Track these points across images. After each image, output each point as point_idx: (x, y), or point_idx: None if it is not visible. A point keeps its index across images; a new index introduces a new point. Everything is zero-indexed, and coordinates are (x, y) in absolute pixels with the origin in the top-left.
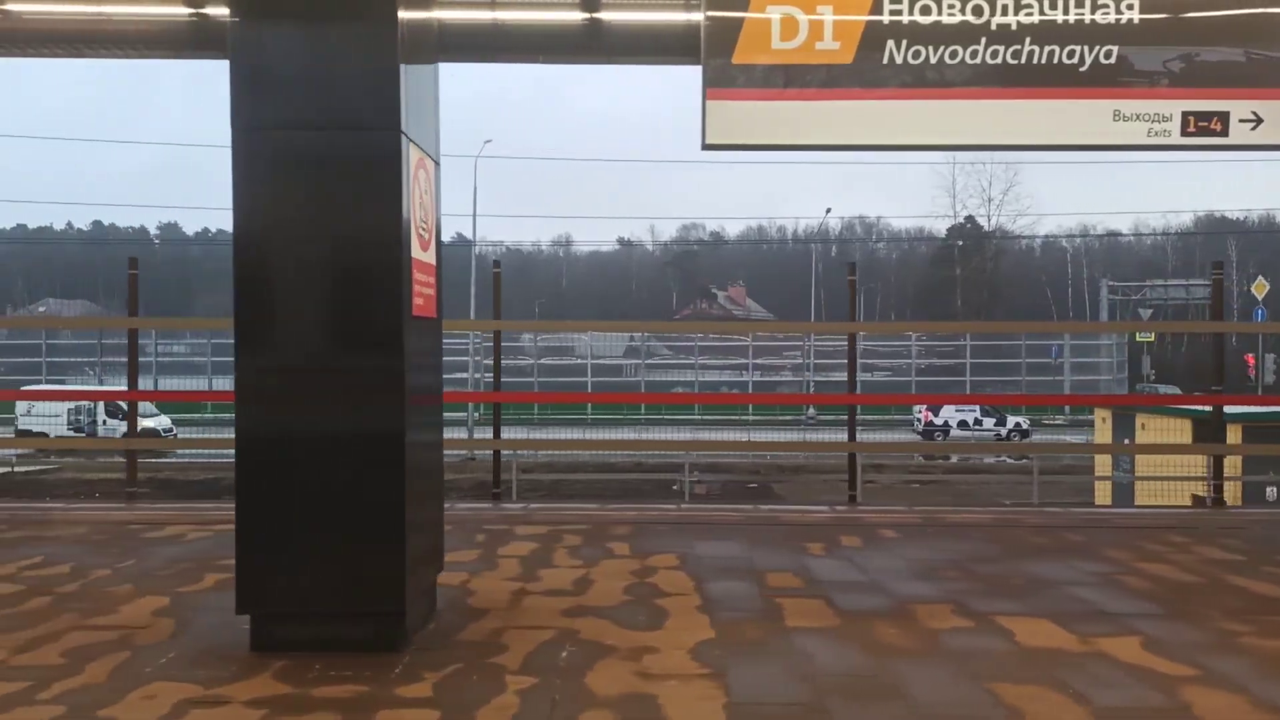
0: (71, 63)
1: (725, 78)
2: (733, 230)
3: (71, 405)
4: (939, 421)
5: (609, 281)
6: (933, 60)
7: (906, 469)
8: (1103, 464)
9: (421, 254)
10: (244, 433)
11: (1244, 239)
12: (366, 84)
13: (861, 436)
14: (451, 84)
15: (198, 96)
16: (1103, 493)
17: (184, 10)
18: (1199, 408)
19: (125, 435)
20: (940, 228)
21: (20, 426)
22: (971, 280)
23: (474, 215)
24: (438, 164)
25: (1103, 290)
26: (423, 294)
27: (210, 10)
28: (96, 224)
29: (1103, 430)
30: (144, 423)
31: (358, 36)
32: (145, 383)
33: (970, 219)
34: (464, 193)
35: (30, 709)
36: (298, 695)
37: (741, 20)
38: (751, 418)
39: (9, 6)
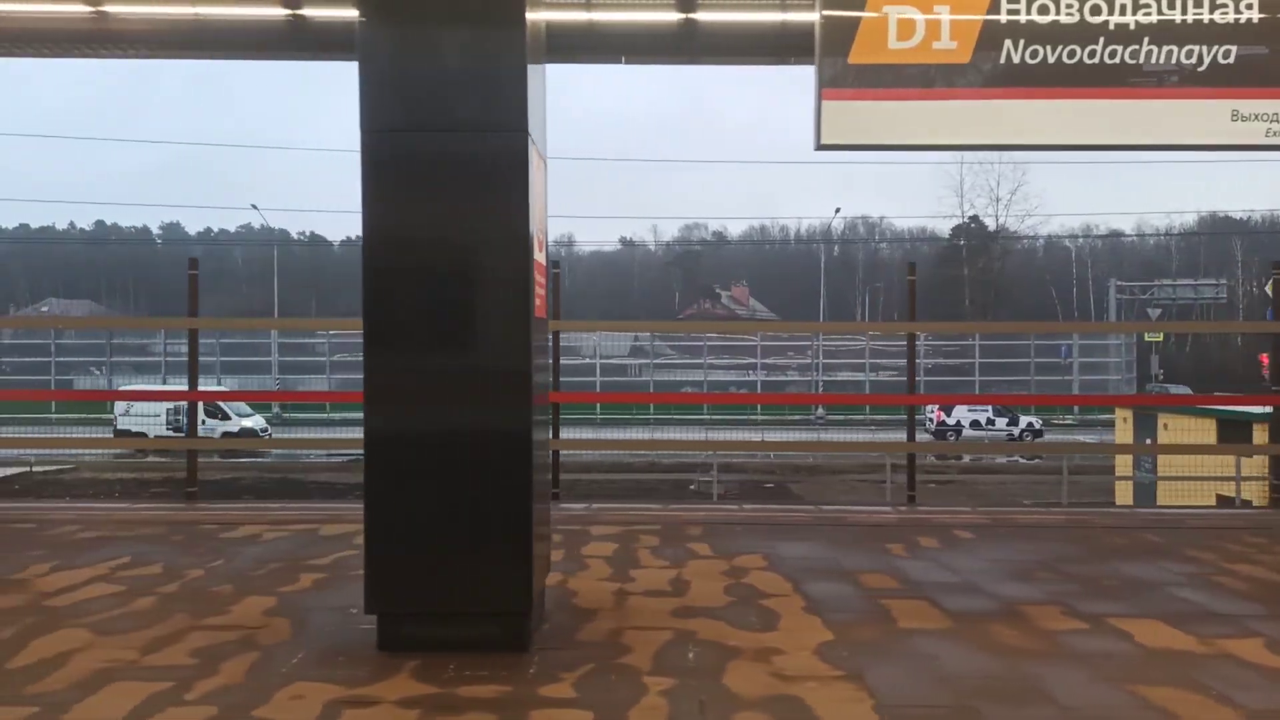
0: (72, 62)
1: (841, 78)
2: (735, 230)
3: (170, 405)
4: (951, 421)
5: (612, 281)
6: (1050, 60)
7: (922, 469)
8: (1123, 464)
9: (538, 255)
10: (373, 434)
11: (1247, 239)
12: (495, 86)
13: (877, 436)
14: None
15: (197, 96)
16: (1123, 493)
17: (281, 12)
18: (1224, 408)
19: (187, 435)
20: (942, 228)
21: (119, 427)
22: (978, 280)
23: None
24: (546, 164)
25: (1111, 290)
26: (539, 294)
27: (308, 11)
28: (99, 224)
29: (1123, 430)
30: (243, 422)
31: (486, 38)
32: (155, 382)
33: (975, 219)
34: None
35: (182, 709)
36: (444, 695)
37: (858, 20)
38: (761, 418)
39: (106, 8)
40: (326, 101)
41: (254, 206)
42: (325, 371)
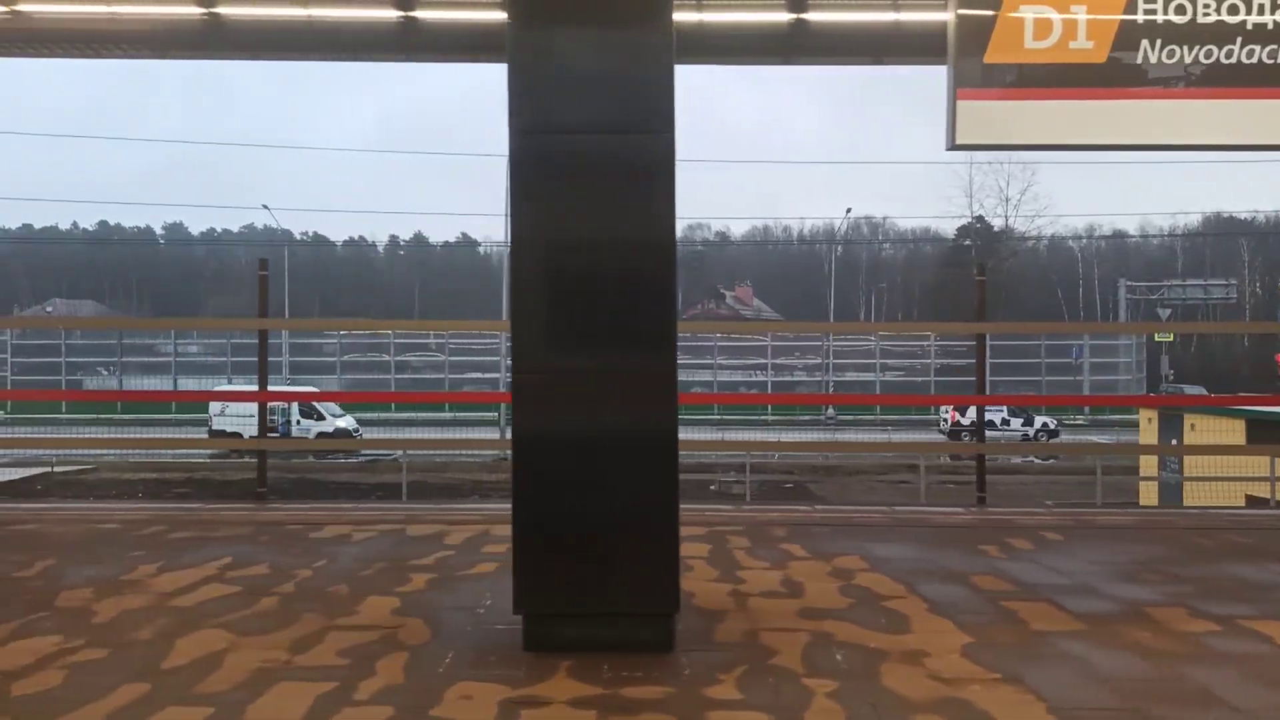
0: (70, 62)
1: (977, 77)
2: (737, 230)
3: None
4: (966, 421)
5: None
6: (1187, 60)
7: (939, 469)
8: (1147, 464)
9: None
10: (520, 434)
11: (1252, 240)
12: (643, 87)
13: (897, 437)
14: (436, 83)
15: (196, 96)
16: (1148, 493)
17: (394, 14)
18: (1253, 409)
19: (256, 436)
20: (945, 228)
21: (215, 427)
22: (988, 281)
23: (506, 215)
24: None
25: (1121, 290)
26: None
27: (420, 14)
28: (102, 224)
29: (1148, 430)
30: (337, 423)
31: (634, 38)
32: (165, 383)
33: (980, 219)
34: (460, 192)
35: (358, 709)
36: (611, 696)
37: (994, 19)
38: (771, 418)
39: (220, 10)
40: (326, 102)
41: (265, 207)
42: (336, 371)
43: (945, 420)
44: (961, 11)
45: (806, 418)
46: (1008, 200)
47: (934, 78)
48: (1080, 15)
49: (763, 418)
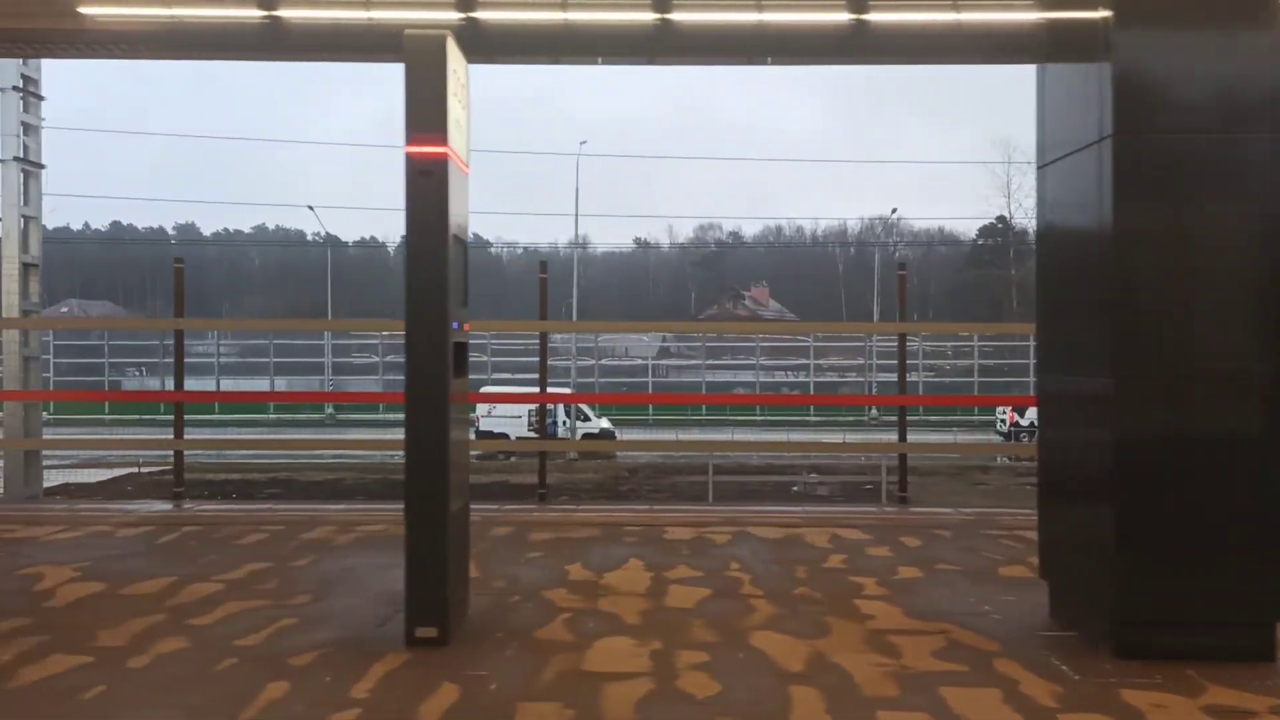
0: (68, 63)
1: None
2: (749, 230)
3: (532, 407)
4: (1025, 423)
5: (627, 282)
6: None
7: (1014, 471)
8: None
9: None
10: (1123, 442)
11: None
12: (1252, 86)
13: (959, 438)
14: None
15: (200, 93)
16: None
17: (650, 16)
18: None
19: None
20: (959, 228)
21: (481, 428)
22: (1027, 280)
23: (576, 215)
24: None
25: None
26: None
27: (674, 15)
28: (115, 224)
29: None
30: (600, 424)
31: (1243, 37)
32: (206, 384)
33: (1002, 219)
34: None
35: (1072, 716)
36: None
37: None
38: (814, 419)
39: (573, 16)
40: (327, 102)
41: (310, 208)
42: (379, 373)
43: (1003, 421)
44: None
45: (850, 419)
46: None
47: (935, 78)
48: None
49: (805, 419)
